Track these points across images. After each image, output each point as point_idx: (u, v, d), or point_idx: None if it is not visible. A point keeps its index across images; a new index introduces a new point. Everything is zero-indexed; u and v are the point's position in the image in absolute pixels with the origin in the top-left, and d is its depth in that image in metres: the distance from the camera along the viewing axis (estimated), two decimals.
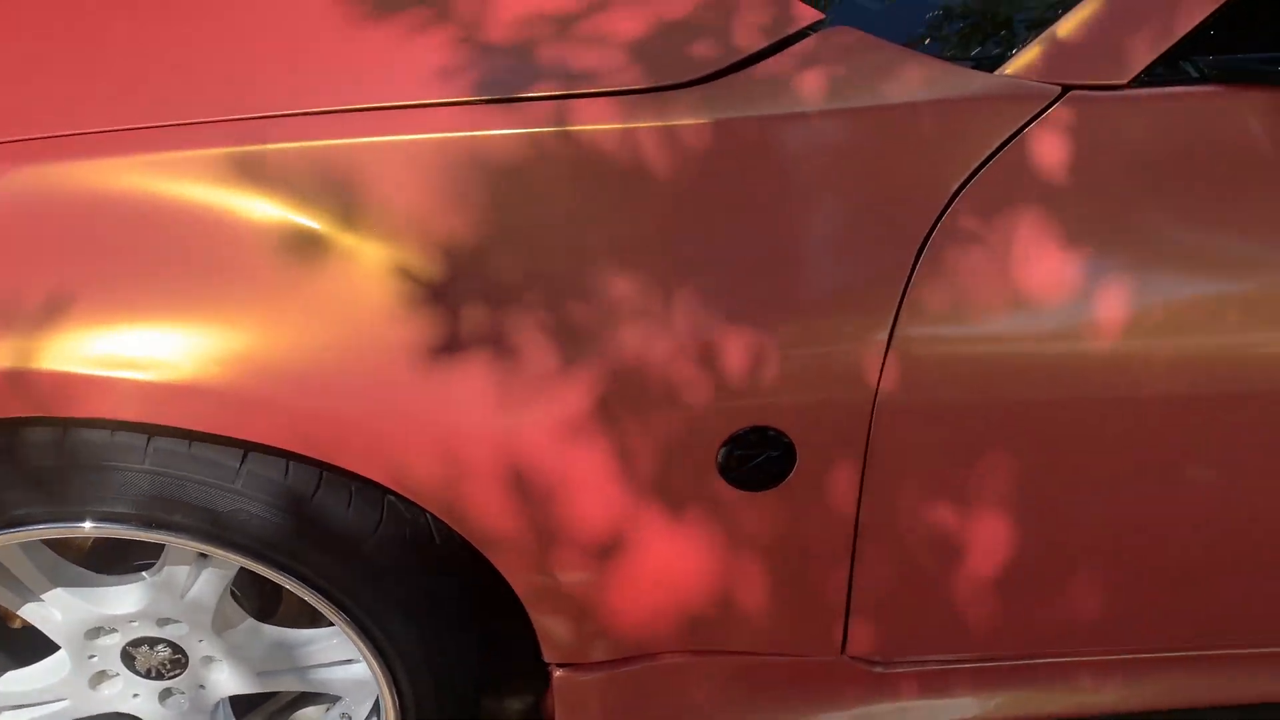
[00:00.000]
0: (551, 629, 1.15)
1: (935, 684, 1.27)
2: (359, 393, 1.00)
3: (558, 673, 1.21)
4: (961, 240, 1.01)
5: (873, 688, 1.26)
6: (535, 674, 1.24)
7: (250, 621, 1.25)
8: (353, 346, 1.00)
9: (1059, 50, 1.02)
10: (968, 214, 1.01)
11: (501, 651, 1.27)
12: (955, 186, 1.01)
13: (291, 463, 1.05)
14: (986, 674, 1.27)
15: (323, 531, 1.08)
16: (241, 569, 1.14)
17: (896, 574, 1.14)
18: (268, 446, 1.03)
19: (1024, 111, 1.01)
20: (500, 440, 1.02)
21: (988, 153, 1.01)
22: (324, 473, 1.07)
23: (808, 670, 1.23)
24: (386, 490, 1.08)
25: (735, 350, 1.02)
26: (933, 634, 1.22)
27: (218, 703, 1.31)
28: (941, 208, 1.01)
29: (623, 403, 1.02)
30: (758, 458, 1.05)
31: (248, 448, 1.04)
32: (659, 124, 1.02)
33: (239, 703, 1.37)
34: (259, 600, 1.30)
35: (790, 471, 1.06)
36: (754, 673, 1.23)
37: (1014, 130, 1.01)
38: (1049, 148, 1.01)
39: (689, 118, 1.02)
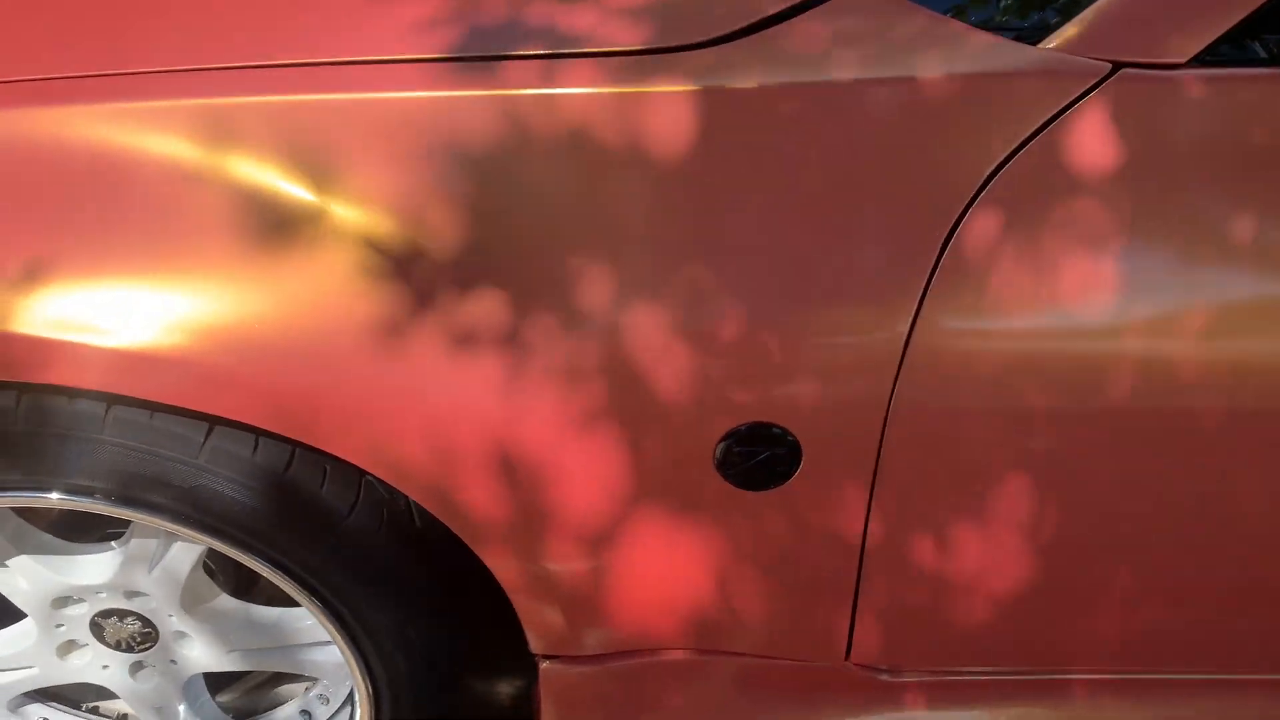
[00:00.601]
0: (538, 620, 1.11)
1: (944, 695, 1.22)
2: (335, 368, 0.95)
3: (544, 664, 1.17)
4: (994, 228, 0.94)
5: (878, 696, 1.21)
6: (522, 664, 1.19)
7: (223, 598, 1.20)
8: (329, 320, 0.94)
9: (1111, 23, 0.94)
10: (1002, 200, 0.93)
11: (485, 639, 1.22)
12: (989, 170, 0.93)
13: (261, 438, 1.00)
14: (998, 687, 1.21)
15: (293, 512, 1.03)
16: None
17: (905, 581, 1.08)
18: (235, 421, 0.97)
19: (1069, 90, 0.93)
20: (489, 425, 0.96)
21: (1027, 134, 0.93)
22: (296, 450, 1.01)
23: (811, 675, 1.18)
24: (364, 470, 1.02)
25: (738, 340, 0.95)
26: (942, 644, 1.16)
27: (191, 677, 1.26)
28: (974, 192, 0.94)
29: (617, 390, 0.96)
30: (760, 455, 0.99)
31: (213, 421, 0.99)
32: (662, 89, 0.94)
33: (214, 677, 1.33)
34: (235, 575, 1.25)
35: (795, 471, 0.99)
36: (755, 675, 1.19)
37: (1057, 110, 0.93)
38: (1095, 131, 0.93)
39: (695, 83, 0.94)
